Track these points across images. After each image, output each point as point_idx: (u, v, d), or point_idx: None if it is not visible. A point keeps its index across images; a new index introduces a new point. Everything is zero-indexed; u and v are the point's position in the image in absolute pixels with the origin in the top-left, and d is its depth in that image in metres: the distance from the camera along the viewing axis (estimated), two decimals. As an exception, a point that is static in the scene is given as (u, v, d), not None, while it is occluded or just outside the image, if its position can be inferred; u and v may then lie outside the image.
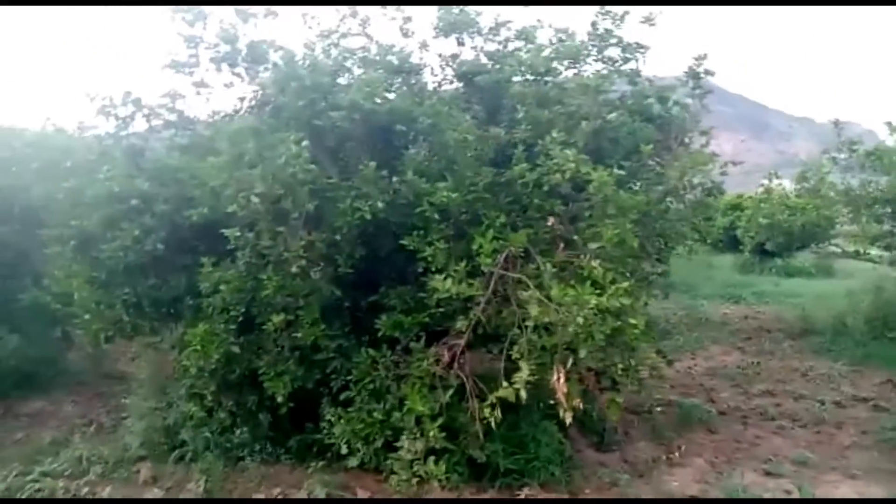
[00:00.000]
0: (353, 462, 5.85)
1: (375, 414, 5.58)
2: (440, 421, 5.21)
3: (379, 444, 5.55)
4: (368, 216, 5.36)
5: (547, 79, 6.53)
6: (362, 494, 5.57)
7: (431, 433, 5.14)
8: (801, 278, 20.96)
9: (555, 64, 6.60)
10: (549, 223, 5.40)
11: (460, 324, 5.28)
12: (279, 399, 5.81)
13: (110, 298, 6.28)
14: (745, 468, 6.25)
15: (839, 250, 15.20)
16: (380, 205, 5.42)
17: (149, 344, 6.66)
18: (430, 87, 6.90)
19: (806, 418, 7.74)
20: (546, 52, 6.53)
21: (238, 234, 5.52)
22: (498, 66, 6.56)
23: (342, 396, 5.84)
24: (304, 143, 5.09)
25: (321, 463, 6.04)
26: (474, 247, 5.40)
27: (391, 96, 6.27)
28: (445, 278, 5.23)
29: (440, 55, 6.89)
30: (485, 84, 6.46)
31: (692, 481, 6.01)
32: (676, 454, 6.63)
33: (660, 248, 6.55)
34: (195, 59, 6.18)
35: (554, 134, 5.49)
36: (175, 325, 6.44)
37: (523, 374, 4.92)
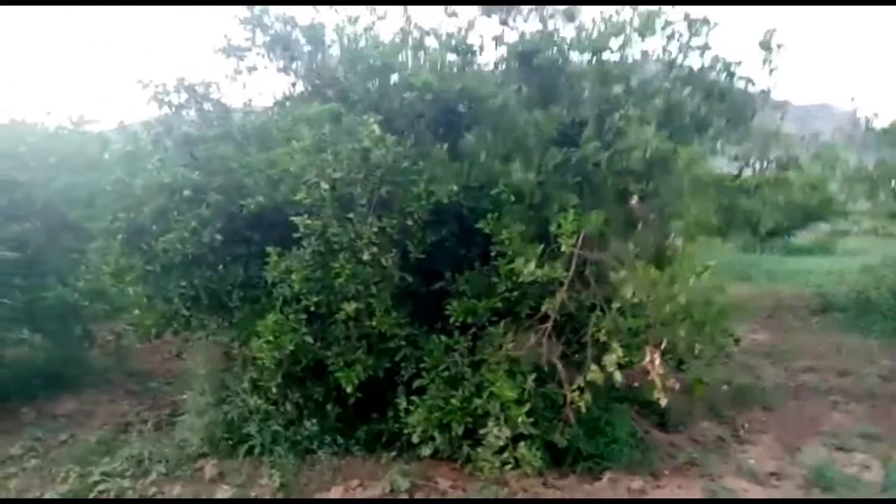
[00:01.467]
0: (426, 451, 5.73)
1: (453, 401, 5.45)
2: (527, 406, 5.10)
3: (458, 431, 5.43)
4: (445, 200, 5.21)
5: (606, 56, 6.39)
6: (443, 484, 5.47)
7: (519, 419, 5.03)
8: (802, 256, 21.16)
9: (612, 42, 6.46)
10: (633, 202, 5.28)
11: (545, 307, 5.16)
12: (348, 389, 5.67)
13: (165, 292, 6.07)
14: (815, 444, 6.25)
15: (853, 228, 15.32)
16: (454, 188, 5.27)
17: (205, 338, 6.44)
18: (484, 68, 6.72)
19: (857, 393, 7.78)
20: (604, 29, 6.38)
21: (308, 221, 5.33)
22: (555, 45, 6.41)
23: (415, 384, 5.70)
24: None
25: (392, 453, 5.93)
26: (552, 228, 5.28)
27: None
28: (526, 261, 5.11)
29: (494, 37, 6.71)
30: (543, 63, 6.30)
31: (767, 458, 5.99)
32: (742, 432, 6.61)
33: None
34: (250, 43, 5.94)
35: (630, 111, 5.37)
36: (231, 317, 6.23)
37: (614, 356, 4.84)
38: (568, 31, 6.61)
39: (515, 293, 5.54)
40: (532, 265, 5.03)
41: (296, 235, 6.31)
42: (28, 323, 9.04)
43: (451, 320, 5.68)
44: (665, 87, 5.88)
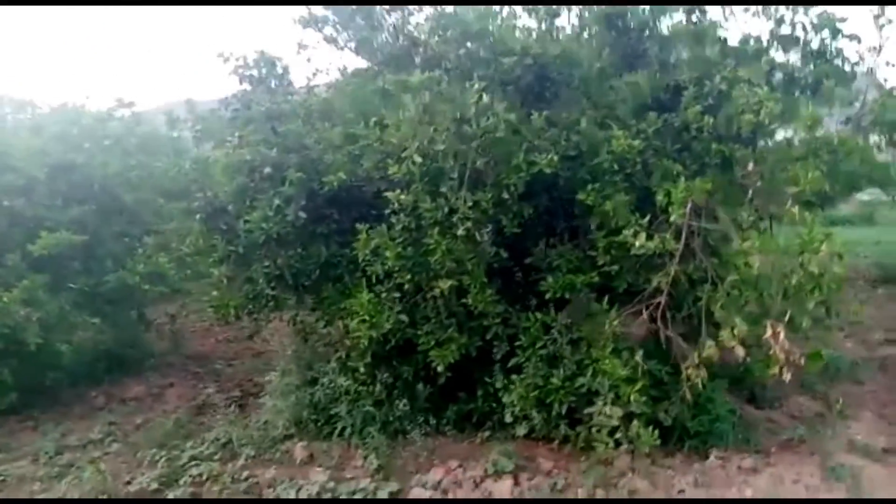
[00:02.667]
0: (520, 430, 5.59)
1: (553, 380, 5.27)
2: (639, 384, 4.89)
3: (561, 410, 5.26)
4: (548, 170, 4.97)
5: (696, 16, 6.06)
6: (545, 465, 5.30)
7: (631, 397, 4.83)
8: (843, 226, 20.63)
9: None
10: (749, 168, 4.98)
11: (657, 280, 4.93)
12: (439, 369, 5.51)
13: (248, 272, 5.92)
14: (919, 418, 6.01)
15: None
16: (555, 157, 5.02)
17: (290, 318, 6.30)
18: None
19: (946, 365, 7.50)
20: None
21: (403, 196, 5.12)
22: (644, 6, 6.07)
23: (510, 363, 5.52)
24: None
25: (485, 433, 5.78)
26: (659, 198, 5.03)
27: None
28: (636, 233, 4.87)
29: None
30: (636, 24, 5.98)
31: (874, 433, 5.77)
32: (838, 407, 6.37)
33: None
34: (326, 14, 5.68)
35: (740, 72, 5.06)
36: (315, 296, 6.07)
37: (733, 330, 4.60)
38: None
39: (615, 267, 5.32)
40: (643, 237, 4.79)
41: (374, 213, 6.16)
42: (88, 307, 8.98)
43: (547, 296, 5.49)
44: (765, 45, 5.54)
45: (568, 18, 6.61)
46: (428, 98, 4.70)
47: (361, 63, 6.64)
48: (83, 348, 8.64)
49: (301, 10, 5.61)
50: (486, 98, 4.53)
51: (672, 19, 6.15)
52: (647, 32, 6.11)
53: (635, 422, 4.84)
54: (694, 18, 6.04)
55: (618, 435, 4.83)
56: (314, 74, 6.42)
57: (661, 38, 6.03)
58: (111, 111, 10.11)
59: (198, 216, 6.03)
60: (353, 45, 5.90)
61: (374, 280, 5.52)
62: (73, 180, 8.99)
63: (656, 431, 4.88)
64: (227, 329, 11.39)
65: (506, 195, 5.14)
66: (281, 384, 6.33)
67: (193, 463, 5.73)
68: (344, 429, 5.82)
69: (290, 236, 5.82)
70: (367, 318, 5.20)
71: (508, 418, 5.59)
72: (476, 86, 4.58)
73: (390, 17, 5.66)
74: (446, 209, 5.15)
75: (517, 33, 5.20)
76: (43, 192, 8.67)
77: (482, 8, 5.09)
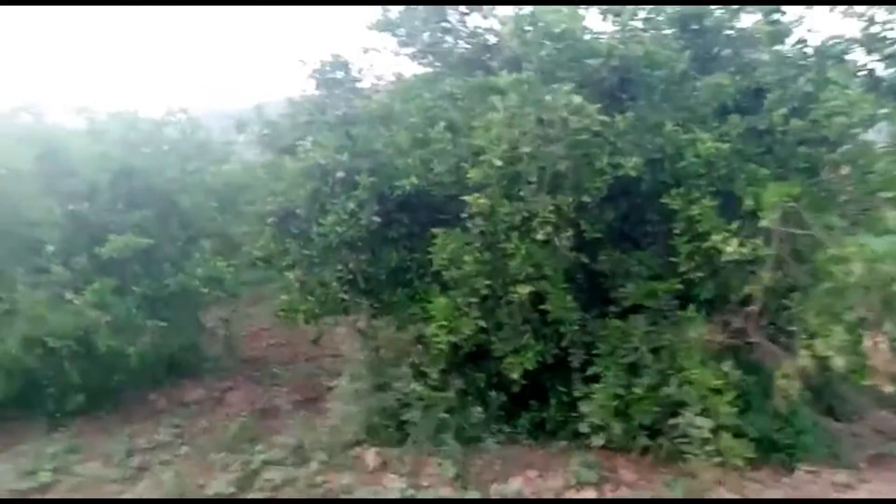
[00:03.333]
0: (597, 441, 5.47)
1: (636, 389, 5.15)
2: (730, 395, 4.75)
3: (644, 421, 5.14)
4: (633, 173, 4.87)
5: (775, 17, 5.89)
6: (627, 476, 5.18)
7: (722, 409, 4.69)
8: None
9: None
10: (837, 173, 4.83)
11: (749, 288, 4.79)
12: (514, 376, 5.44)
13: (321, 276, 5.92)
14: None
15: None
16: (639, 160, 4.92)
17: (365, 323, 6.28)
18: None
19: None
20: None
21: (482, 200, 5.07)
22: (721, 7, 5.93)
23: (588, 371, 5.42)
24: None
25: (561, 442, 5.67)
26: (748, 202, 4.89)
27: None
28: (726, 239, 4.74)
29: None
30: (708, 26, 5.85)
31: (969, 450, 5.52)
32: (923, 421, 6.13)
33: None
34: (399, 18, 5.67)
35: (830, 73, 4.91)
36: (387, 301, 6.04)
37: (832, 340, 4.44)
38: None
39: (699, 274, 5.19)
40: (735, 243, 4.66)
41: (443, 217, 6.11)
42: (148, 310, 9.08)
43: (625, 303, 5.38)
44: (851, 47, 5.37)
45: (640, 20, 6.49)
46: (515, 99, 4.63)
47: (419, 68, 6.61)
48: (145, 351, 8.74)
49: (375, 13, 5.62)
50: (577, 99, 4.44)
51: (742, 20, 5.99)
52: (723, 33, 5.97)
53: (725, 434, 4.69)
54: (772, 18, 5.87)
55: (708, 447, 4.68)
56: (378, 79, 6.43)
57: (737, 39, 5.88)
58: (168, 116, 10.24)
59: (269, 220, 6.06)
60: (420, 48, 5.87)
61: (449, 285, 5.48)
62: (133, 185, 9.11)
63: (751, 444, 4.73)
64: (276, 334, 11.44)
65: (587, 199, 5.05)
66: (349, 389, 6.30)
67: (266, 467, 5.74)
68: (416, 435, 5.76)
69: (362, 241, 5.81)
70: (444, 323, 5.15)
71: (584, 428, 5.49)
72: (566, 87, 4.51)
73: (463, 19, 5.62)
74: (525, 213, 5.09)
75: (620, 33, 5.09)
76: (105, 196, 8.80)
77: (565, 9, 5.02)
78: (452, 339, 5.12)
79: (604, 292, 5.55)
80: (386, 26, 5.69)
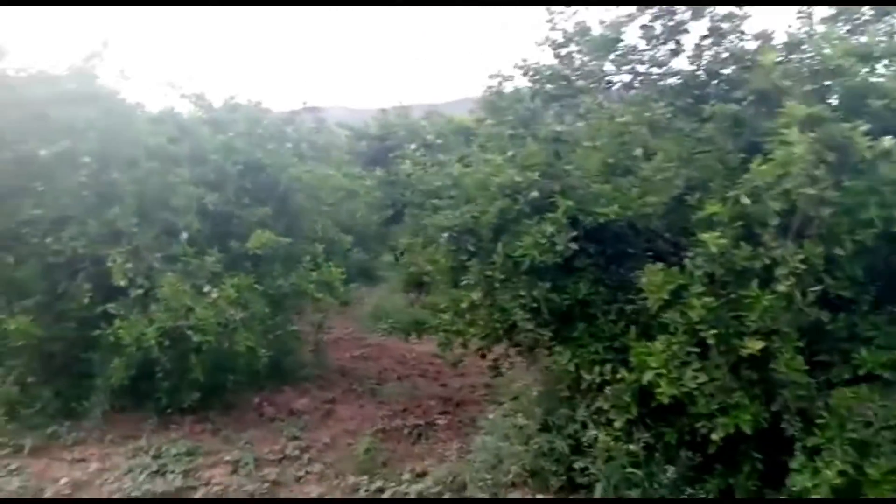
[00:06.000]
0: (804, 520, 4.84)
1: (870, 471, 4.52)
2: None
3: (880, 508, 4.50)
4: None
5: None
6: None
7: None
8: None
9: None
10: None
11: None
12: (715, 437, 4.86)
13: (502, 301, 5.43)
14: None
15: None
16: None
17: (544, 356, 5.76)
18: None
19: None
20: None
21: (721, 240, 4.54)
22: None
23: (809, 443, 4.81)
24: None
25: (757, 516, 5.06)
26: None
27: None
28: None
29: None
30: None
31: None
32: None
33: None
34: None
35: None
36: (569, 336, 5.52)
37: None
38: None
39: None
40: None
41: (632, 251, 5.67)
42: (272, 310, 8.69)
43: (860, 371, 4.78)
44: None
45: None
46: (815, 135, 4.06)
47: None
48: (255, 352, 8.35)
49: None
50: (888, 143, 3.90)
51: None
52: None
53: None
54: None
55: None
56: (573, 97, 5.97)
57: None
58: (294, 113, 10.00)
59: (446, 234, 5.62)
60: (642, 67, 5.41)
61: (651, 327, 4.96)
62: (259, 180, 8.81)
63: None
64: (356, 344, 11.12)
65: (840, 251, 4.50)
66: (505, 423, 5.76)
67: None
68: (592, 487, 5.18)
69: (550, 268, 5.32)
70: (663, 371, 4.60)
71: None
72: (863, 127, 3.98)
73: (702, 42, 5.15)
74: (767, 259, 4.56)
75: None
76: (232, 189, 8.50)
77: (841, 44, 4.46)
78: (675, 391, 4.56)
79: (840, 356, 4.96)
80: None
